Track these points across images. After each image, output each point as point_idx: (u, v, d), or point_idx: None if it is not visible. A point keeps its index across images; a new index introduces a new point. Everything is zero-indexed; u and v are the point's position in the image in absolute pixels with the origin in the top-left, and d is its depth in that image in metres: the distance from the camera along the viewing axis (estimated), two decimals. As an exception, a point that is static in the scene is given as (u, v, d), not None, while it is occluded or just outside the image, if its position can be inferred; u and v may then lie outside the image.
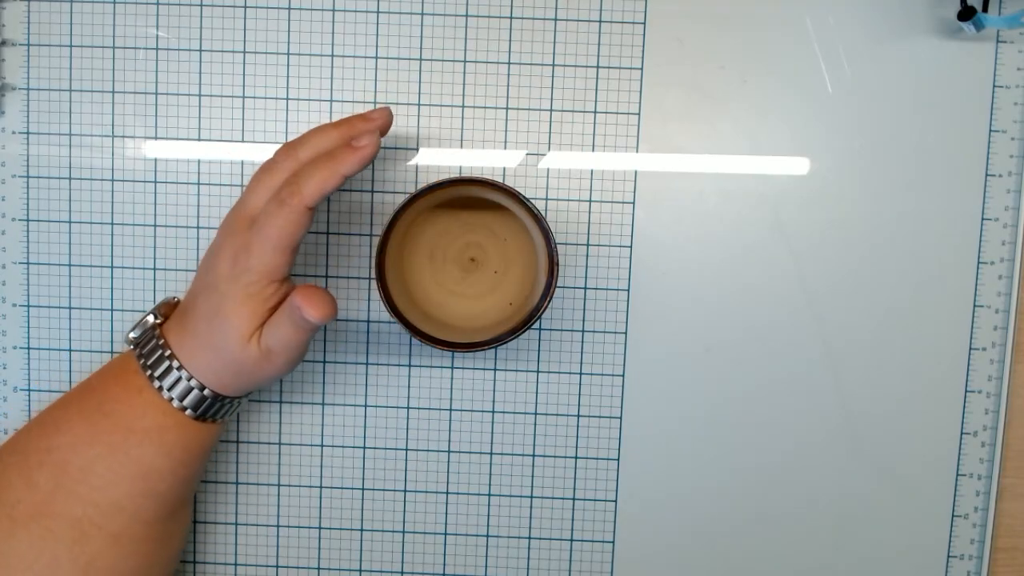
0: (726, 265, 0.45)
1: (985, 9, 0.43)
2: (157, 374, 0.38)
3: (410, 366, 0.46)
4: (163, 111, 0.45)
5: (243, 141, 0.45)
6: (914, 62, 0.44)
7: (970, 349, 0.46)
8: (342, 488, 0.47)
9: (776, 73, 0.45)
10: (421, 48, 0.45)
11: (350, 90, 0.45)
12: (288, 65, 0.45)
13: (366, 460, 0.47)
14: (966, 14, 0.42)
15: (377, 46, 0.45)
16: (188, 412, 0.39)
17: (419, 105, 0.45)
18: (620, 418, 0.46)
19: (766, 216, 0.45)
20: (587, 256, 0.46)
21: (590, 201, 0.45)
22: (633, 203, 0.45)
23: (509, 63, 0.45)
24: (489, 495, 0.47)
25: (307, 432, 0.47)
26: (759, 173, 0.45)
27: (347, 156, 0.37)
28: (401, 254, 0.43)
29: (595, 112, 0.45)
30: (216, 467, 0.47)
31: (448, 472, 0.47)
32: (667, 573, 0.47)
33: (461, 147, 0.45)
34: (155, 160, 0.46)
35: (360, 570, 0.48)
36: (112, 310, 0.46)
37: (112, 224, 0.46)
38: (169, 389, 0.38)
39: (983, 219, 0.45)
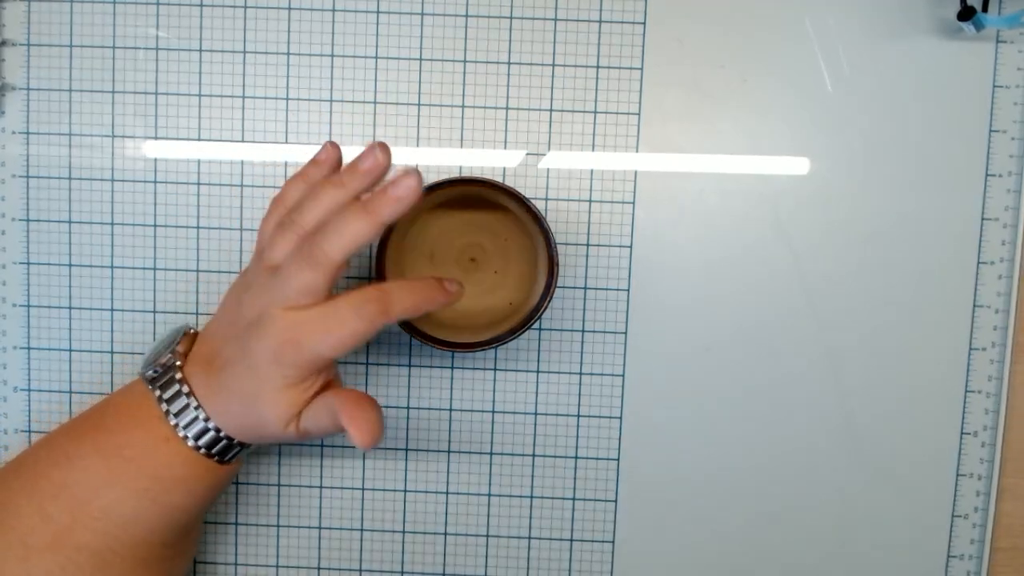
0: (726, 265, 0.45)
1: (985, 9, 0.43)
2: (183, 423, 0.37)
3: (410, 366, 0.46)
4: (163, 111, 0.45)
5: (243, 141, 0.45)
6: (914, 62, 0.44)
7: (970, 349, 0.46)
8: (342, 488, 0.47)
9: (776, 73, 0.45)
10: (421, 48, 0.45)
11: (350, 90, 0.45)
12: (288, 65, 0.45)
13: (366, 460, 0.47)
14: (966, 14, 0.42)
15: (377, 46, 0.45)
16: (215, 458, 0.38)
17: (419, 105, 0.45)
18: (620, 418, 0.46)
19: (766, 216, 0.45)
20: (587, 256, 0.46)
21: (590, 201, 0.45)
22: (633, 203, 0.45)
23: (509, 63, 0.45)
24: (489, 495, 0.47)
25: (307, 432, 0.47)
26: (759, 173, 0.45)
27: (439, 295, 0.36)
28: (401, 254, 0.43)
29: (595, 112, 0.45)
30: (216, 467, 0.47)
31: (448, 472, 0.47)
32: (667, 573, 0.47)
33: (461, 147, 0.45)
34: (155, 160, 0.46)
35: (360, 570, 0.48)
36: (112, 310, 0.46)
37: (112, 224, 0.46)
38: (196, 438, 0.37)
39: (983, 219, 0.45)
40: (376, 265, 0.40)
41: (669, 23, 0.45)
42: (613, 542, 0.47)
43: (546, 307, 0.39)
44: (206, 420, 0.37)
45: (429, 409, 0.47)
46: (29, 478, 0.38)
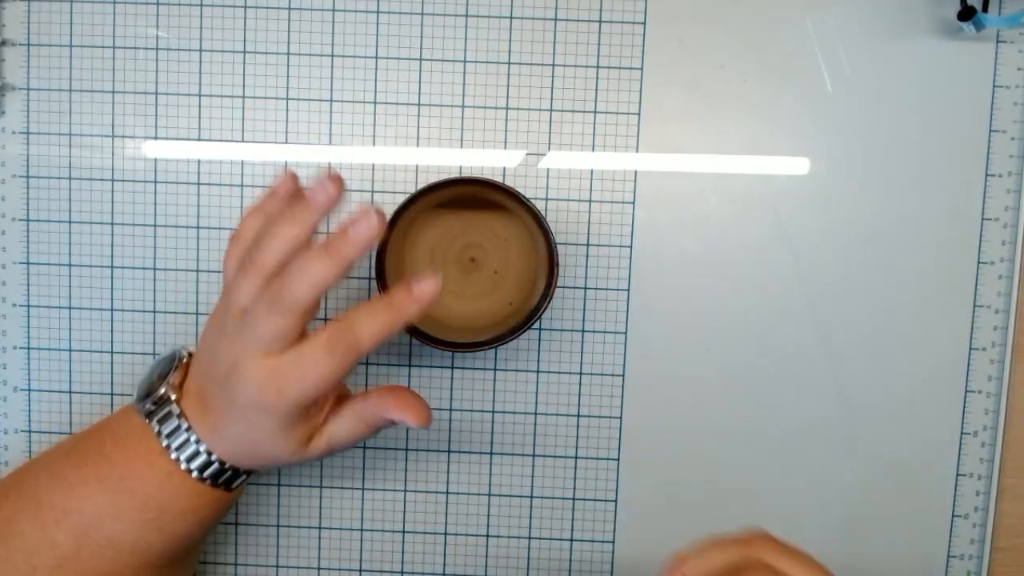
0: (726, 265, 0.45)
1: (985, 9, 0.43)
2: (185, 457, 0.36)
3: (410, 366, 0.46)
4: (163, 111, 0.45)
5: (243, 141, 0.45)
6: (914, 62, 0.44)
7: (970, 349, 0.46)
8: (342, 488, 0.47)
9: (776, 73, 0.45)
10: (421, 48, 0.45)
11: (350, 90, 0.45)
12: (288, 65, 0.45)
13: (366, 460, 0.47)
14: (966, 14, 0.42)
15: (377, 46, 0.45)
16: (222, 487, 0.38)
17: (419, 105, 0.45)
18: (620, 418, 0.46)
19: (766, 216, 0.45)
20: (587, 256, 0.46)
21: (590, 201, 0.45)
22: (633, 203, 0.45)
23: (509, 63, 0.45)
24: (489, 495, 0.47)
25: (307, 432, 0.47)
26: (759, 173, 0.45)
27: (406, 303, 0.34)
28: (401, 254, 0.43)
29: (595, 112, 0.45)
30: (216, 467, 0.47)
31: (448, 472, 0.47)
32: (667, 573, 0.47)
33: (461, 147, 0.45)
34: (155, 160, 0.46)
35: (360, 570, 0.48)
36: (112, 310, 0.46)
37: (112, 224, 0.46)
38: (200, 471, 0.37)
39: (983, 219, 0.45)
40: (376, 265, 0.40)
41: (669, 23, 0.45)
42: (613, 542, 0.47)
43: (546, 307, 0.39)
44: (209, 454, 0.37)
45: (429, 409, 0.47)
46: (31, 501, 0.38)
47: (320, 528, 0.47)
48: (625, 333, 0.46)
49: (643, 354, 0.46)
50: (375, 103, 0.45)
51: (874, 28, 0.44)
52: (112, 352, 0.47)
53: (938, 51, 0.44)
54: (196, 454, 0.37)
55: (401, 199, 0.39)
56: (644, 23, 0.45)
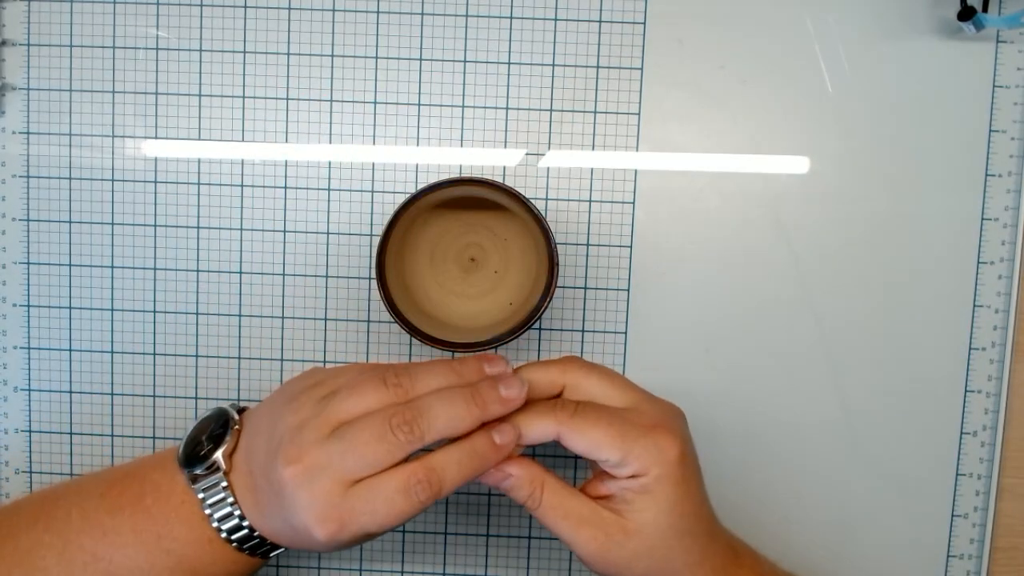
0: (726, 265, 0.45)
1: (985, 9, 0.43)
2: (227, 528, 0.36)
3: (410, 366, 0.46)
4: (163, 111, 0.45)
5: (243, 141, 0.45)
6: (914, 62, 0.44)
7: (970, 349, 0.46)
8: (342, 488, 0.47)
9: (776, 73, 0.45)
10: (421, 48, 0.45)
11: (350, 90, 0.45)
12: (288, 65, 0.45)
13: (366, 460, 0.47)
14: (966, 14, 0.42)
15: (377, 46, 0.45)
16: (259, 556, 0.37)
17: (419, 105, 0.45)
18: (620, 418, 0.46)
19: (766, 216, 0.45)
20: (587, 256, 0.46)
21: (590, 201, 0.45)
22: (633, 203, 0.45)
23: (509, 63, 0.45)
24: (489, 495, 0.47)
25: (307, 432, 0.47)
26: (759, 173, 0.45)
27: (491, 455, 0.34)
28: (401, 254, 0.43)
29: (595, 112, 0.45)
30: (216, 467, 0.47)
31: (448, 472, 0.47)
32: (667, 573, 0.47)
33: (461, 147, 0.45)
34: (155, 160, 0.46)
35: (360, 570, 0.48)
36: (112, 310, 0.46)
37: (112, 224, 0.46)
38: (242, 543, 0.36)
39: (983, 219, 0.45)
40: (376, 265, 0.40)
41: (669, 23, 0.45)
42: (613, 542, 0.47)
43: (546, 307, 0.39)
44: (252, 529, 0.36)
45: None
46: (59, 537, 0.37)
47: (320, 528, 0.47)
48: (625, 333, 0.46)
49: (643, 354, 0.46)
50: (375, 103, 0.45)
51: (874, 28, 0.44)
52: (112, 352, 0.47)
53: (938, 51, 0.44)
54: (239, 528, 0.36)
55: (401, 199, 0.39)
56: (644, 23, 0.45)
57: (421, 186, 0.41)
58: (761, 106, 0.45)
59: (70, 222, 0.46)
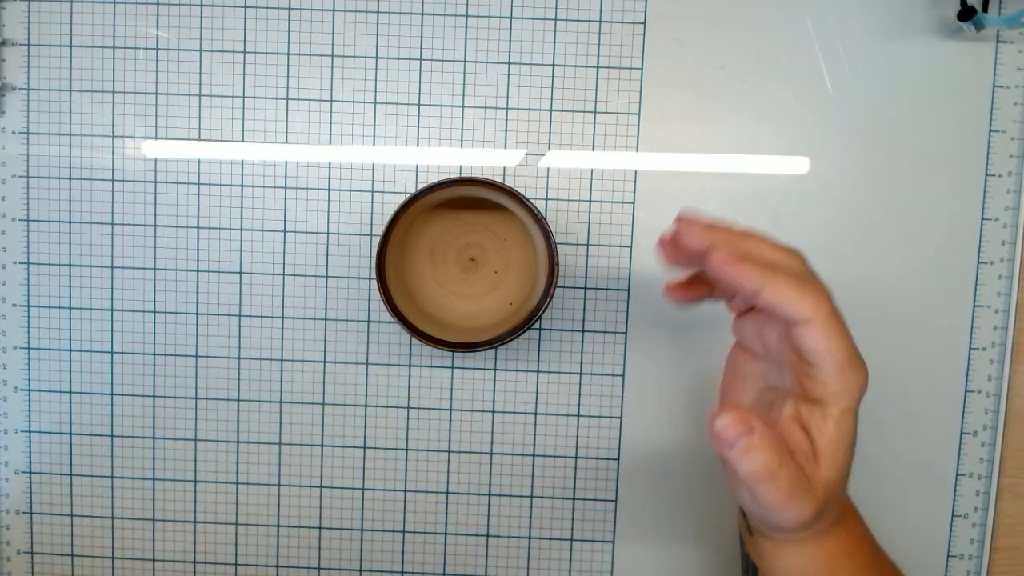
0: (726, 265, 0.45)
1: (985, 9, 0.43)
2: None
3: (410, 366, 0.46)
4: (163, 111, 0.45)
5: (243, 141, 0.45)
6: (914, 62, 0.44)
7: (970, 349, 0.46)
8: (342, 488, 0.47)
9: (776, 73, 0.45)
10: (421, 48, 0.45)
11: (350, 90, 0.45)
12: (288, 65, 0.45)
13: (366, 460, 0.47)
14: (966, 14, 0.42)
15: (377, 46, 0.45)
16: None
17: (419, 105, 0.45)
18: (620, 418, 0.46)
19: (766, 216, 0.45)
20: (587, 256, 0.46)
21: (590, 201, 0.45)
22: (633, 203, 0.45)
23: (509, 63, 0.45)
24: (489, 495, 0.47)
25: (307, 432, 0.47)
26: (759, 173, 0.45)
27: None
28: (401, 254, 0.43)
29: (595, 112, 0.45)
30: (216, 467, 0.47)
31: (448, 472, 0.47)
32: (667, 573, 0.47)
33: (461, 147, 0.45)
34: (155, 160, 0.46)
35: (360, 570, 0.48)
36: (112, 310, 0.46)
37: (112, 224, 0.46)
38: None
39: (983, 219, 0.45)
40: (376, 265, 0.40)
41: (669, 23, 0.45)
42: (613, 542, 0.47)
43: (546, 307, 0.39)
44: None
45: (429, 409, 0.47)
46: None
47: (320, 528, 0.47)
48: (625, 333, 0.46)
49: (643, 354, 0.46)
50: (375, 103, 0.45)
51: (874, 28, 0.44)
52: (112, 352, 0.47)
53: (938, 51, 0.44)
54: None
55: (401, 199, 0.39)
56: (644, 23, 0.45)
57: (421, 186, 0.41)
58: (761, 106, 0.45)
59: (70, 222, 0.46)
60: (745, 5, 0.44)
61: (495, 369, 0.46)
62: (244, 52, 0.45)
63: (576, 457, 0.47)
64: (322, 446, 0.47)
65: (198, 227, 0.46)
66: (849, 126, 0.45)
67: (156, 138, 0.46)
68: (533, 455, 0.47)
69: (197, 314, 0.46)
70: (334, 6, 0.45)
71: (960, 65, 0.44)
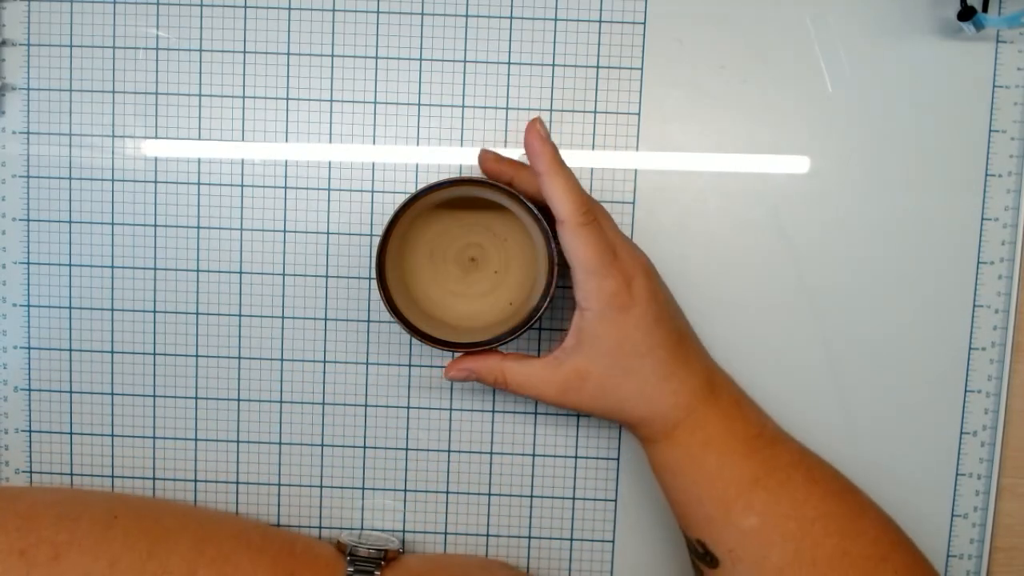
0: (726, 265, 0.45)
1: (985, 9, 0.43)
2: None
3: (410, 366, 0.46)
4: (163, 111, 0.45)
5: (243, 141, 0.45)
6: (914, 62, 0.44)
7: (970, 349, 0.46)
8: (342, 488, 0.47)
9: (776, 73, 0.45)
10: (421, 48, 0.45)
11: (350, 90, 0.45)
12: (288, 65, 0.45)
13: (366, 460, 0.47)
14: (966, 14, 0.42)
15: (377, 46, 0.45)
16: None
17: (419, 105, 0.45)
18: (620, 418, 0.46)
19: (766, 216, 0.45)
20: (587, 256, 0.45)
21: (590, 201, 0.45)
22: (633, 203, 0.45)
23: (509, 63, 0.45)
24: (489, 495, 0.47)
25: (307, 432, 0.47)
26: (759, 172, 0.45)
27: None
28: (401, 254, 0.43)
29: (595, 112, 0.45)
30: (216, 466, 0.47)
31: (448, 472, 0.47)
32: (667, 573, 0.47)
33: (461, 147, 0.45)
34: (155, 160, 0.46)
35: (360, 570, 0.48)
36: (112, 310, 0.46)
37: (112, 224, 0.46)
38: None
39: (983, 219, 0.45)
40: (376, 265, 0.40)
41: (669, 23, 0.45)
42: (613, 542, 0.47)
43: (546, 307, 0.39)
44: None
45: (429, 409, 0.47)
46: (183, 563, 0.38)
47: (320, 528, 0.47)
48: (625, 333, 0.46)
49: (643, 354, 0.46)
50: (375, 103, 0.45)
51: (874, 28, 0.44)
52: (112, 352, 0.47)
53: (938, 51, 0.44)
54: None
55: (401, 199, 0.39)
56: (644, 23, 0.45)
57: (421, 186, 0.41)
58: (761, 106, 0.45)
59: (70, 222, 0.46)
60: (745, 5, 0.44)
61: (495, 369, 0.46)
62: (244, 52, 0.45)
63: (576, 457, 0.47)
64: (322, 446, 0.47)
65: (198, 227, 0.46)
66: (849, 126, 0.45)
67: (156, 138, 0.46)
68: (533, 455, 0.47)
69: (197, 314, 0.46)
70: (334, 6, 0.45)
71: (960, 65, 0.44)
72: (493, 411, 0.47)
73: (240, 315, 0.46)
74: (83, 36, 0.45)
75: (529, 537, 0.47)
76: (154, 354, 0.46)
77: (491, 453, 0.47)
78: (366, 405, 0.47)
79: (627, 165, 0.45)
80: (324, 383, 0.47)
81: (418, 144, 0.45)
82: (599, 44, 0.45)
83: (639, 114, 0.45)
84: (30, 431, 0.47)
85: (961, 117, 0.45)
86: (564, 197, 0.37)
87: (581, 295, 0.38)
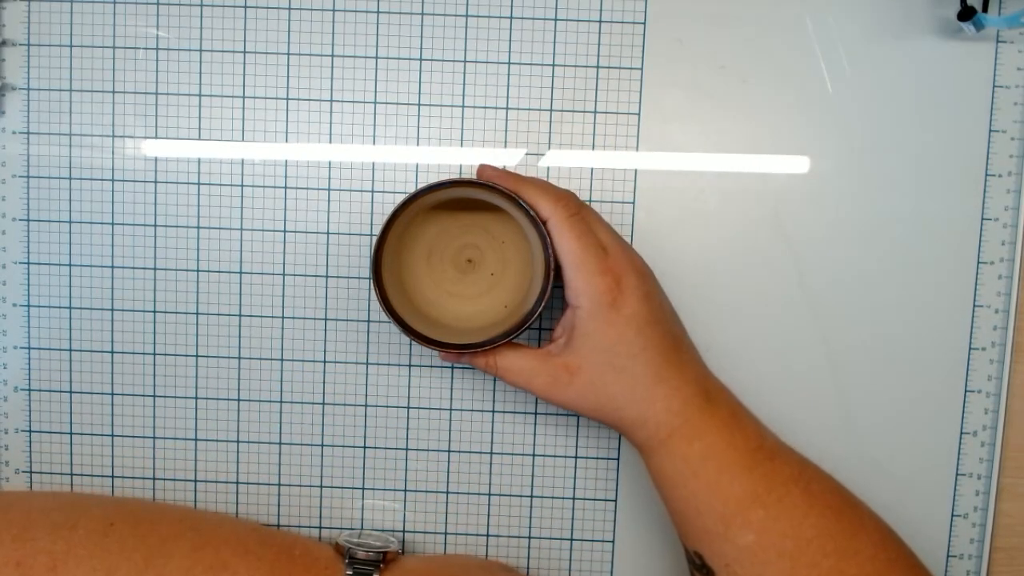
0: (726, 265, 0.45)
1: (985, 9, 0.43)
2: None
3: (410, 366, 0.46)
4: (163, 111, 0.45)
5: (243, 141, 0.45)
6: (914, 62, 0.44)
7: (970, 349, 0.46)
8: (342, 488, 0.47)
9: (776, 73, 0.45)
10: (421, 48, 0.45)
11: (350, 90, 0.45)
12: (288, 65, 0.45)
13: (366, 460, 0.47)
14: (966, 14, 0.42)
15: (377, 46, 0.45)
16: None
17: (419, 105, 0.45)
18: (620, 418, 0.46)
19: (766, 216, 0.45)
20: (587, 256, 0.45)
21: (590, 201, 0.45)
22: (633, 203, 0.45)
23: (509, 63, 0.45)
24: (489, 495, 0.47)
25: (307, 432, 0.47)
26: (759, 172, 0.45)
27: None
28: (399, 254, 0.43)
29: (595, 112, 0.45)
30: (216, 466, 0.47)
31: (448, 472, 0.47)
32: (667, 573, 0.47)
33: (461, 147, 0.45)
34: (155, 160, 0.46)
35: (360, 570, 0.48)
36: (112, 310, 0.46)
37: (112, 224, 0.46)
38: None
39: (983, 219, 0.45)
40: (373, 265, 0.40)
41: (669, 23, 0.45)
42: (613, 542, 0.47)
43: (541, 310, 0.39)
44: None
45: (429, 409, 0.47)
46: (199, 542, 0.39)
47: (320, 528, 0.47)
48: (625, 333, 0.46)
49: (643, 354, 0.46)
50: (375, 103, 0.45)
51: (874, 28, 0.44)
52: (112, 352, 0.47)
53: (938, 51, 0.44)
54: None
55: (401, 199, 0.39)
56: (644, 23, 0.45)
57: (420, 186, 0.41)
58: (761, 106, 0.45)
59: (70, 222, 0.46)
60: (745, 6, 0.44)
61: (495, 369, 0.46)
62: (244, 52, 0.45)
63: (576, 457, 0.47)
64: (322, 446, 0.47)
65: (198, 227, 0.46)
66: (849, 126, 0.45)
67: (156, 138, 0.46)
68: (533, 455, 0.47)
69: (197, 314, 0.46)
70: (334, 6, 0.45)
71: (960, 65, 0.44)
72: (493, 411, 0.47)
73: (240, 315, 0.46)
74: (83, 36, 0.45)
75: (529, 537, 0.47)
76: (154, 354, 0.47)
77: (491, 453, 0.47)
78: (366, 405, 0.47)
79: (627, 165, 0.45)
80: (324, 383, 0.47)
81: (418, 144, 0.45)
82: (599, 44, 0.45)
83: (639, 114, 0.45)
84: (30, 431, 0.47)
85: (961, 117, 0.45)
86: (543, 195, 0.38)
87: (571, 292, 0.38)
